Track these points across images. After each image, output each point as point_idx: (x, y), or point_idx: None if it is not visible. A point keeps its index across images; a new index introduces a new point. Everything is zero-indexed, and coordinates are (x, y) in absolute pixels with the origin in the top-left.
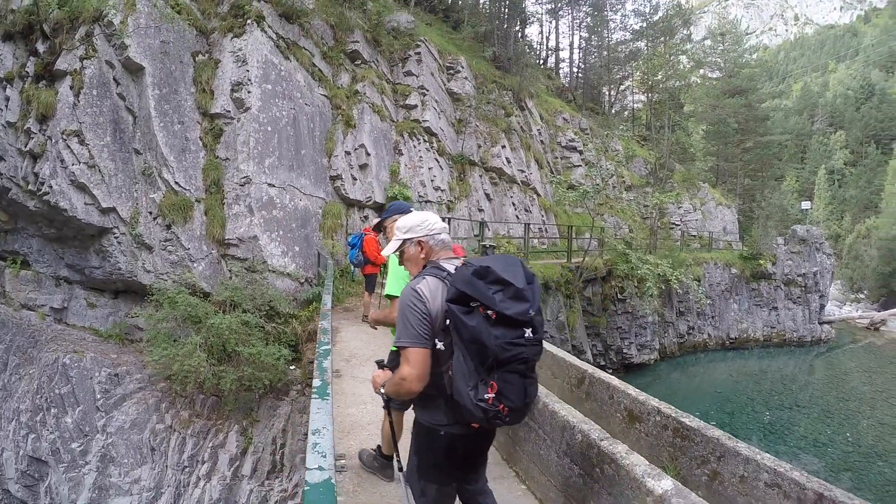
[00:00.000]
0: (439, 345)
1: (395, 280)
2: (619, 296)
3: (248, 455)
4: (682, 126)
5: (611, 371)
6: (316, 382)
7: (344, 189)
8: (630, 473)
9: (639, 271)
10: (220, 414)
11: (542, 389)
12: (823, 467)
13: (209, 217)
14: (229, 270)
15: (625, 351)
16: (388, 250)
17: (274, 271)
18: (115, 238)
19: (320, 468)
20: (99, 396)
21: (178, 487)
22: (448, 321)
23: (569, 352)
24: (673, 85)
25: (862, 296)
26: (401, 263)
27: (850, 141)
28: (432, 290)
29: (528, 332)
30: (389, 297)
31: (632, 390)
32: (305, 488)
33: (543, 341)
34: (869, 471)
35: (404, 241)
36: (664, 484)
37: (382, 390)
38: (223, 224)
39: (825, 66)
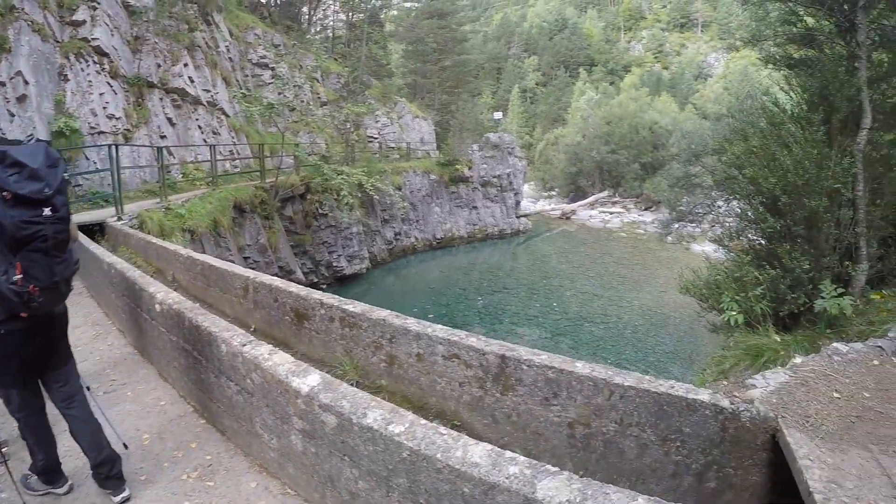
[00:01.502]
0: None
1: None
2: (321, 210)
3: None
4: (379, 41)
5: (324, 286)
6: None
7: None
8: (275, 376)
9: (333, 182)
10: None
11: (186, 303)
12: (541, 335)
13: None
14: None
15: (335, 264)
16: None
17: None
18: None
19: None
20: None
21: None
22: None
23: (275, 274)
24: (374, 4)
25: (553, 193)
26: None
27: (542, 65)
28: None
29: (47, 211)
30: None
31: (294, 287)
32: None
33: (72, 220)
34: (580, 332)
35: None
36: (310, 380)
37: None
38: None
39: (525, 1)
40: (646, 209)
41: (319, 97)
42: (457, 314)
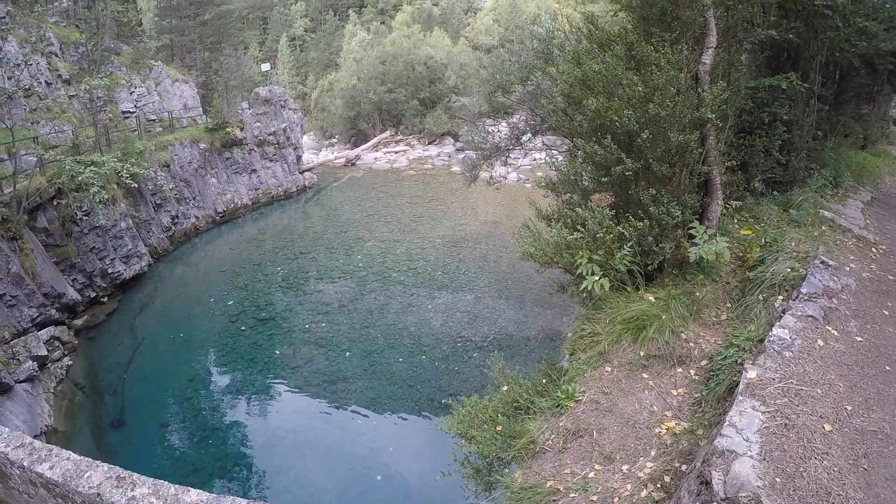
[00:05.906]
0: None
1: None
2: (80, 213)
3: None
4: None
5: (106, 298)
6: None
7: None
8: None
9: (82, 177)
10: None
11: None
12: (351, 296)
13: None
14: None
15: (110, 271)
16: None
17: None
18: None
19: None
20: None
21: None
22: None
23: (42, 305)
24: None
25: (335, 140)
26: None
27: (309, 10)
28: None
29: None
30: None
31: None
32: None
33: None
34: (389, 283)
35: None
36: None
37: None
38: None
39: None
40: (430, 143)
41: (60, 75)
42: (258, 294)
